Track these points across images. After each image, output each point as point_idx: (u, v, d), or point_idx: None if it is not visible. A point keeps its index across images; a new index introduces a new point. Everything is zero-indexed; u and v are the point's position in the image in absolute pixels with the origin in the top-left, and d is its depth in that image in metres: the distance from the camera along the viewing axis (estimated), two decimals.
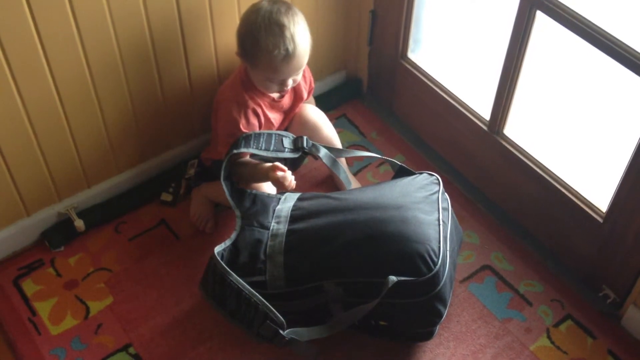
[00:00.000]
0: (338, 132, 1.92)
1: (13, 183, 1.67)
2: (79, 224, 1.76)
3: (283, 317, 1.48)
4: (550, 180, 1.65)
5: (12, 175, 1.65)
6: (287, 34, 1.55)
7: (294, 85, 1.68)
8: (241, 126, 1.65)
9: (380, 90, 2.09)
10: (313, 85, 1.84)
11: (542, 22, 1.50)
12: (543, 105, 1.69)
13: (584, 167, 1.65)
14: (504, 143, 1.74)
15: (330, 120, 1.91)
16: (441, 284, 1.46)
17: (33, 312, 1.65)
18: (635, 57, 1.33)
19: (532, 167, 1.68)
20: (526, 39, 1.54)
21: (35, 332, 1.61)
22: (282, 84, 1.63)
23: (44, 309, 1.66)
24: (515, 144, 1.72)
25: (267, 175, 1.60)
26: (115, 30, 1.59)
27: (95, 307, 1.66)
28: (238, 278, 1.47)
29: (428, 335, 1.58)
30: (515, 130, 1.73)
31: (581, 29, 1.41)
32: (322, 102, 2.02)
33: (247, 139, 1.64)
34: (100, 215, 1.82)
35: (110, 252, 1.77)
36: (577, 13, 1.41)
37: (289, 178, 1.59)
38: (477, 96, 1.80)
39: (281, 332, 1.45)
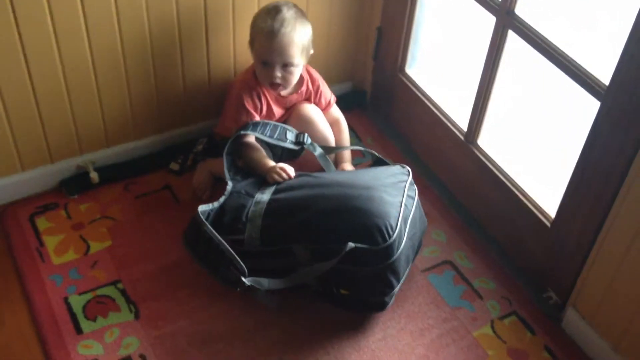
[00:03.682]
0: None
1: (43, 132, 1.92)
2: (94, 175, 2.00)
3: (256, 274, 1.68)
4: (510, 186, 1.83)
5: (44, 125, 1.91)
6: (279, 17, 1.81)
7: (284, 83, 1.88)
8: (245, 102, 1.89)
9: (381, 101, 2.31)
10: (329, 100, 2.05)
11: (513, 41, 1.71)
12: (510, 118, 1.88)
13: (541, 175, 1.82)
14: (476, 152, 1.93)
15: None
16: (394, 257, 1.64)
17: (41, 243, 1.88)
18: (584, 75, 1.52)
19: (496, 174, 1.87)
20: (498, 55, 1.74)
21: (40, 260, 1.84)
22: (270, 68, 1.84)
23: (51, 242, 1.89)
24: (485, 152, 1.91)
25: (267, 173, 1.83)
26: (149, 14, 1.85)
27: (95, 247, 1.89)
28: (211, 228, 1.67)
29: (381, 305, 1.74)
30: (487, 140, 1.92)
31: (543, 48, 1.61)
32: None
33: (255, 124, 1.88)
34: (114, 173, 2.06)
35: (117, 205, 2.00)
36: (540, 34, 1.61)
37: (284, 177, 1.82)
38: (459, 108, 2.00)
39: (243, 278, 1.65)
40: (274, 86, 1.90)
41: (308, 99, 2.00)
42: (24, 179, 1.97)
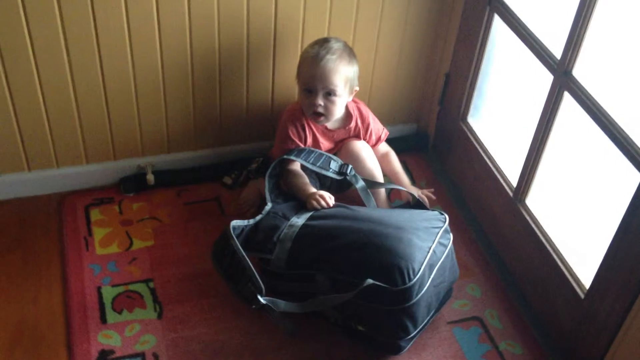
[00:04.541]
0: None
1: (110, 131, 2.05)
2: (151, 177, 2.10)
3: (275, 296, 1.71)
4: (550, 250, 1.77)
5: (111, 124, 2.03)
6: (327, 45, 1.86)
7: (326, 112, 1.89)
8: (290, 133, 1.94)
9: (441, 146, 2.30)
10: (380, 135, 2.07)
11: (568, 102, 1.66)
12: (560, 180, 1.81)
13: (581, 243, 1.74)
14: (522, 210, 1.87)
15: None
16: (412, 301, 1.62)
17: (90, 233, 1.99)
18: (629, 145, 1.46)
19: (539, 236, 1.81)
20: (553, 115, 1.70)
21: (84, 248, 1.95)
22: (313, 96, 1.87)
23: (99, 233, 2.00)
24: (532, 212, 1.85)
25: (306, 199, 1.86)
26: (220, 31, 1.95)
27: (137, 244, 1.98)
28: (238, 243, 1.71)
29: (397, 348, 1.72)
30: (535, 200, 1.86)
31: (592, 111, 1.56)
32: (389, 144, 2.24)
33: (300, 151, 1.92)
34: (170, 178, 2.15)
35: (167, 208, 2.09)
36: (593, 97, 1.56)
37: (323, 204, 1.84)
38: (512, 165, 1.96)
39: (258, 296, 1.67)
40: (316, 116, 1.92)
41: (357, 136, 2.02)
42: (87, 170, 2.10)
